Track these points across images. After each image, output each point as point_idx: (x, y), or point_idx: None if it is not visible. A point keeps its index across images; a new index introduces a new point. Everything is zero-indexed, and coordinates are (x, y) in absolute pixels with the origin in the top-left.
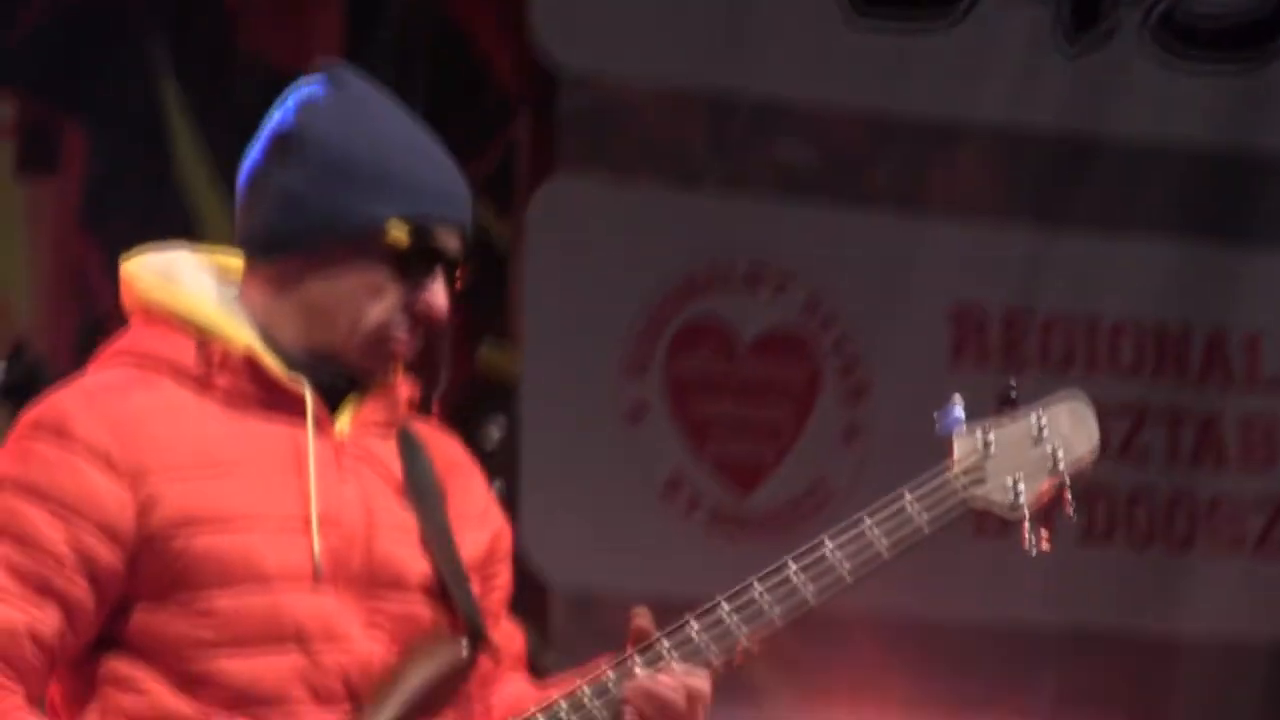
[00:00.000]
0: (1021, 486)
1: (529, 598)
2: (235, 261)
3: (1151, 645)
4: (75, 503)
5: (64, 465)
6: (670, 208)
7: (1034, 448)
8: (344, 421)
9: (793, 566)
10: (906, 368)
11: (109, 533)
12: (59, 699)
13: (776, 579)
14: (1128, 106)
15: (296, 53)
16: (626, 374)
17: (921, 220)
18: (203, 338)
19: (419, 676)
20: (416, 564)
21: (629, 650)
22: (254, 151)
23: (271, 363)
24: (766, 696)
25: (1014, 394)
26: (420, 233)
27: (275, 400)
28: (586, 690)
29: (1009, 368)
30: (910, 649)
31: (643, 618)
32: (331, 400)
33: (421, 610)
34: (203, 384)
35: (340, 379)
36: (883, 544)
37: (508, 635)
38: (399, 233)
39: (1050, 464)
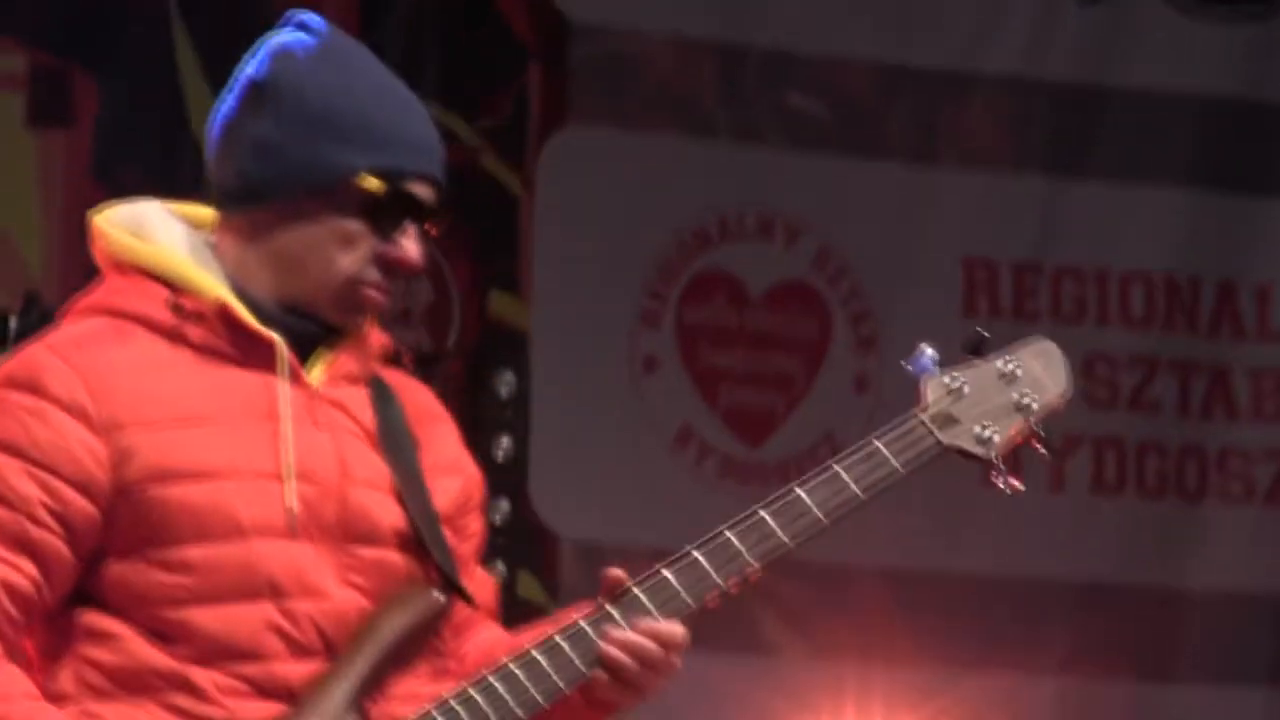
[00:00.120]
0: (993, 429)
1: (538, 549)
2: (207, 213)
3: (1162, 597)
4: (50, 456)
5: (38, 419)
6: (681, 159)
7: (1005, 391)
8: (317, 372)
9: (763, 513)
10: (917, 319)
11: (84, 485)
12: (34, 652)
13: (747, 524)
14: (1139, 57)
15: (309, 1)
16: (637, 325)
17: (933, 171)
18: (174, 289)
19: (393, 626)
20: (390, 514)
21: (602, 599)
22: (227, 101)
23: (244, 313)
24: (776, 649)
25: (985, 339)
26: (393, 183)
27: (248, 351)
28: (560, 638)
29: (1020, 319)
30: (920, 602)
31: (616, 569)
32: (304, 351)
33: (396, 560)
34: (175, 336)
35: (312, 329)
36: (855, 488)
37: (480, 584)
38: (372, 183)
39: (1021, 407)
